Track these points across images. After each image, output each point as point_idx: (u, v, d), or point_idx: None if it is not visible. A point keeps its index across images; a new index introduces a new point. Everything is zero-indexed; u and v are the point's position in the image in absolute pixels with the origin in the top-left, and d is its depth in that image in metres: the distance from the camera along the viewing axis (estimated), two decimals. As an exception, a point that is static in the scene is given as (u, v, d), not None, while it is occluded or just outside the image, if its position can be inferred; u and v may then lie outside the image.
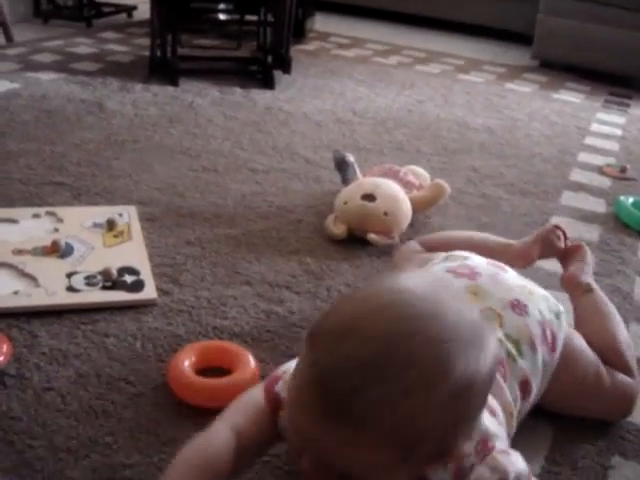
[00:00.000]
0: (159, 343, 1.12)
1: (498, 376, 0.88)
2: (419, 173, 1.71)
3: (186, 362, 1.03)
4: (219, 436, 0.82)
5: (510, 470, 0.78)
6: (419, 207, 1.56)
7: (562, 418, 1.06)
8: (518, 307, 0.97)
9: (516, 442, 0.99)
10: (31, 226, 1.42)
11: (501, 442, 0.81)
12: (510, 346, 0.93)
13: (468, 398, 0.69)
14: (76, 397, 1.00)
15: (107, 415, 0.98)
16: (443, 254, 1.10)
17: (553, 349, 0.98)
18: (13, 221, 1.43)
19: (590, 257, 1.22)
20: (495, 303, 0.95)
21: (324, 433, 0.67)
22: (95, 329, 1.14)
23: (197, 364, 1.05)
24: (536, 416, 1.05)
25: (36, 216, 1.46)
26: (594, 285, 1.17)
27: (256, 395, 0.86)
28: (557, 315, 1.01)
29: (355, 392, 0.65)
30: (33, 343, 1.10)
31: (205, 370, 1.05)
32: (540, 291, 1.04)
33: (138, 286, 1.24)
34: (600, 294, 1.16)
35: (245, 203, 1.62)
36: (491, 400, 0.85)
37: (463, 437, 0.72)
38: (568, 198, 1.89)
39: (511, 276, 1.04)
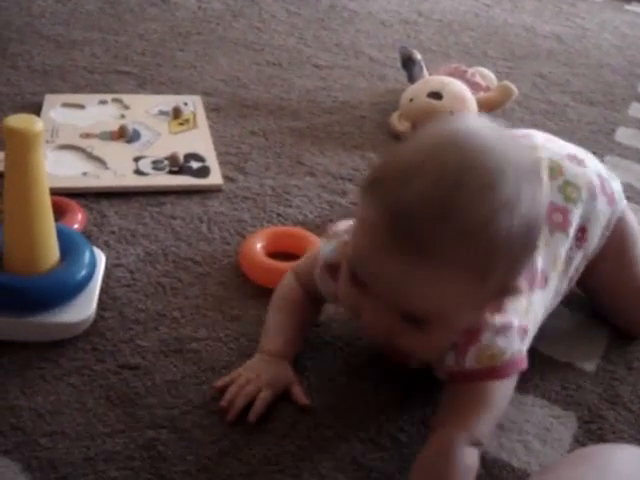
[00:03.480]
0: (224, 227, 1.14)
1: (554, 228, 0.88)
2: (486, 75, 1.67)
3: (258, 245, 1.06)
4: (296, 291, 0.93)
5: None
6: (485, 108, 1.53)
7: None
8: (576, 159, 0.94)
9: (572, 340, 1.01)
10: (98, 112, 1.44)
11: (519, 315, 0.81)
12: (571, 189, 0.90)
13: (534, 229, 0.72)
14: (144, 274, 1.04)
15: (175, 291, 1.01)
16: None
17: (612, 202, 0.95)
18: (80, 106, 1.44)
19: None
20: (553, 155, 0.93)
21: (403, 275, 0.68)
22: (162, 211, 1.17)
23: (268, 247, 1.07)
24: (592, 317, 1.05)
25: (103, 102, 1.47)
26: None
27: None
28: (613, 179, 0.99)
29: (435, 225, 0.65)
30: (102, 222, 1.13)
31: (275, 254, 1.07)
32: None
33: (204, 172, 1.25)
34: None
35: (309, 97, 1.61)
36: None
37: (519, 274, 0.74)
38: (636, 110, 1.84)
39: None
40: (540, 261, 0.86)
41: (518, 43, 2.19)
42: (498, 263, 0.69)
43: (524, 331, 0.80)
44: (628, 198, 1.36)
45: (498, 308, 0.77)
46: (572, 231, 0.89)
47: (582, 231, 0.91)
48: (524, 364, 0.81)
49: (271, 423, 0.83)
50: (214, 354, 0.92)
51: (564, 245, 0.89)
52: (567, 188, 0.90)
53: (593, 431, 0.88)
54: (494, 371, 0.78)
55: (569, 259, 0.90)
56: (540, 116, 1.69)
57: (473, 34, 2.21)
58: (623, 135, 1.67)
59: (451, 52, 2.02)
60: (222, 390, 0.85)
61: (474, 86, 1.56)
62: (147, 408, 0.84)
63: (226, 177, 1.27)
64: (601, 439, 0.87)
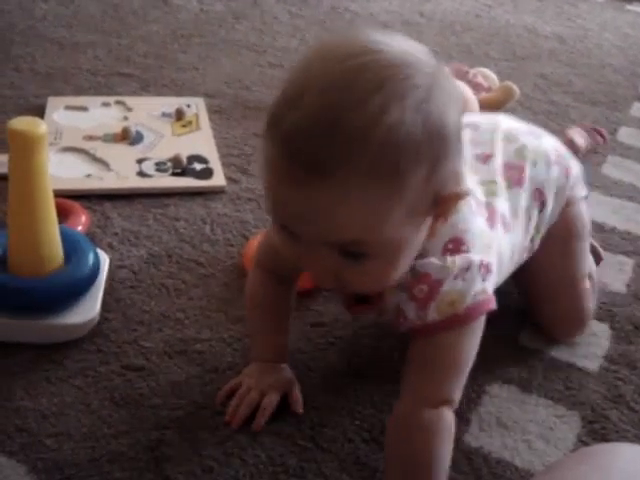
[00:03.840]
0: (227, 228, 1.15)
1: (512, 183, 0.87)
2: (488, 75, 1.68)
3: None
4: (264, 284, 0.90)
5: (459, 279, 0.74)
6: (487, 109, 1.53)
7: (619, 321, 1.06)
8: (533, 134, 0.94)
9: (575, 340, 1.01)
10: (101, 114, 1.44)
11: (480, 253, 0.76)
12: (526, 152, 0.89)
13: (448, 130, 0.66)
14: (148, 275, 1.04)
15: (178, 293, 1.01)
16: None
17: (566, 175, 0.94)
18: (83, 109, 1.45)
19: None
20: (511, 129, 0.93)
21: (311, 202, 0.63)
22: (165, 213, 1.17)
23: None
24: (595, 317, 1.06)
25: (106, 104, 1.47)
26: None
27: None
28: (572, 160, 0.98)
29: (324, 138, 0.61)
30: (106, 224, 1.13)
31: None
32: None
33: (207, 174, 1.26)
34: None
35: (311, 99, 1.61)
36: (492, 207, 0.83)
37: (448, 179, 0.68)
38: (638, 109, 1.84)
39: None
40: (500, 204, 0.83)
41: (520, 44, 2.19)
42: (407, 164, 0.63)
43: (486, 268, 0.76)
44: (630, 198, 1.38)
45: (443, 220, 0.72)
46: (528, 188, 0.88)
47: (539, 193, 0.90)
48: (490, 304, 0.76)
49: (275, 424, 0.83)
50: (218, 355, 0.92)
51: (522, 199, 0.87)
52: (523, 151, 0.89)
53: (596, 431, 0.88)
54: (457, 318, 0.74)
55: (528, 216, 0.89)
56: (542, 116, 1.69)
57: (475, 35, 2.21)
58: (625, 135, 1.67)
59: (453, 53, 2.02)
60: (225, 401, 0.86)
61: (476, 87, 1.56)
62: (152, 409, 0.84)
63: (229, 178, 1.27)
64: (604, 439, 0.87)
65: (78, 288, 0.93)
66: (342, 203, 0.63)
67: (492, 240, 0.80)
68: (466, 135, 0.84)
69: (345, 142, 0.61)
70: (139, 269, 1.05)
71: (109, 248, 1.08)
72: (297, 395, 0.86)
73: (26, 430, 0.80)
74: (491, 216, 0.82)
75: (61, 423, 0.82)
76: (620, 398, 0.93)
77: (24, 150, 0.87)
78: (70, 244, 0.96)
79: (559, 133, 1.04)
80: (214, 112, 1.49)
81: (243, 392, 0.85)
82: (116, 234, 1.11)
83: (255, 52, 1.84)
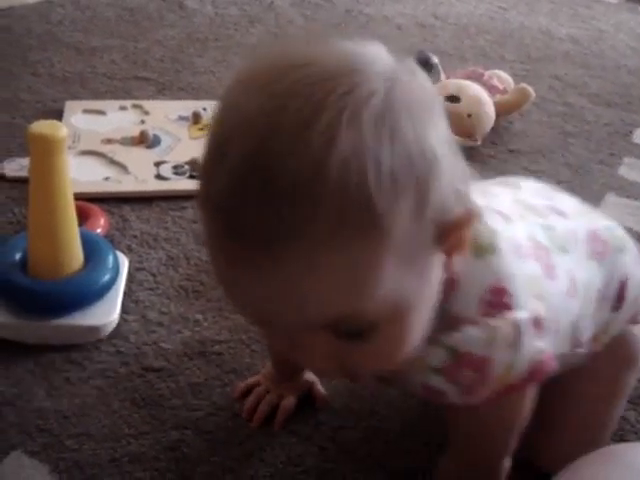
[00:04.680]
0: (245, 231, 1.15)
1: (593, 254, 0.70)
2: (503, 77, 1.67)
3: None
4: None
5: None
6: (502, 111, 1.54)
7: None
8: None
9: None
10: (118, 117, 1.45)
11: (527, 305, 0.60)
12: (617, 239, 0.74)
13: (422, 157, 0.50)
14: (167, 277, 1.05)
15: (197, 295, 1.02)
16: None
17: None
18: (101, 112, 1.46)
19: None
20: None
21: (268, 280, 0.49)
22: (183, 215, 1.18)
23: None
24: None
25: (123, 108, 1.48)
26: None
27: None
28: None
29: (260, 204, 0.47)
30: (124, 227, 1.14)
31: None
32: None
33: (224, 176, 1.26)
34: None
35: (327, 102, 1.62)
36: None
37: (449, 201, 0.52)
38: (654, 111, 1.84)
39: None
40: (572, 265, 0.68)
41: (534, 46, 2.19)
42: (383, 203, 0.47)
43: (538, 325, 0.61)
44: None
45: (460, 252, 0.56)
46: (608, 271, 0.71)
47: (620, 285, 0.72)
48: (551, 364, 0.62)
49: (295, 425, 0.84)
50: (237, 357, 0.92)
51: (598, 279, 0.70)
52: (613, 230, 0.74)
53: (614, 432, 0.88)
54: (512, 389, 0.63)
55: (600, 303, 0.71)
56: (557, 118, 1.69)
57: (489, 37, 2.21)
58: (641, 137, 1.67)
59: (467, 55, 2.02)
60: (241, 397, 0.86)
61: (491, 89, 1.56)
62: (171, 410, 0.85)
63: (246, 181, 1.27)
64: (622, 439, 0.87)
65: (98, 290, 0.94)
66: (309, 276, 0.48)
67: (547, 291, 0.64)
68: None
69: (289, 202, 0.46)
70: (158, 271, 1.05)
71: (128, 250, 1.08)
72: (319, 391, 0.87)
73: (47, 430, 0.81)
74: (551, 268, 0.65)
75: (82, 423, 0.82)
76: (638, 399, 0.93)
77: (45, 153, 0.88)
78: (90, 247, 0.96)
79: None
80: (230, 115, 1.50)
81: (261, 391, 0.86)
82: (135, 237, 1.12)
83: (270, 55, 1.85)
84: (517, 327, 0.59)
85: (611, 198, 1.35)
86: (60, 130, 0.88)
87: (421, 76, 0.53)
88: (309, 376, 0.88)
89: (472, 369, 0.60)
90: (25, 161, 1.22)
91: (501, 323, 0.59)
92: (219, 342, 0.94)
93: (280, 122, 0.47)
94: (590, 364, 0.73)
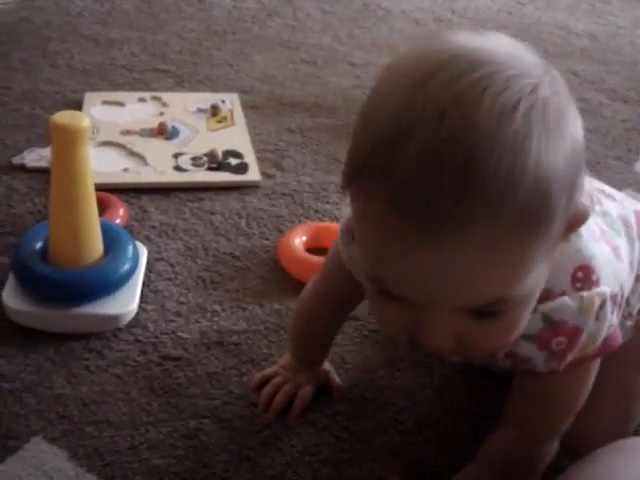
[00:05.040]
0: (263, 222, 1.16)
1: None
2: (521, 72, 1.67)
3: (297, 240, 1.07)
4: (322, 305, 0.85)
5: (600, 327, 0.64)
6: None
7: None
8: None
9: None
10: (137, 109, 1.46)
11: (609, 283, 0.64)
12: None
13: (577, 148, 0.54)
14: (185, 267, 1.05)
15: (215, 285, 1.03)
16: None
17: None
18: (120, 104, 1.47)
19: None
20: None
21: (439, 261, 0.50)
22: (201, 207, 1.19)
23: (307, 243, 1.08)
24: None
25: (142, 100, 1.49)
26: None
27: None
28: None
29: (464, 180, 0.48)
30: (143, 217, 1.15)
31: (313, 249, 1.08)
32: None
33: (242, 169, 1.27)
34: None
35: (345, 95, 1.62)
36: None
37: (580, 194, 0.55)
38: (671, 107, 1.83)
39: None
40: (624, 246, 0.71)
41: (552, 41, 2.18)
42: (557, 199, 0.51)
43: (614, 298, 0.65)
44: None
45: (565, 241, 0.59)
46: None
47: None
48: (618, 339, 0.67)
49: (311, 414, 0.85)
50: (254, 346, 0.93)
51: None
52: None
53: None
54: (586, 359, 0.66)
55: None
56: (575, 114, 1.69)
57: (506, 32, 2.15)
58: (659, 133, 1.66)
59: (485, 50, 2.02)
60: (257, 388, 0.87)
61: (509, 83, 1.56)
62: (189, 398, 0.86)
63: (264, 173, 1.28)
64: (635, 434, 0.87)
65: (118, 280, 0.95)
66: (484, 263, 0.50)
67: (618, 271, 0.67)
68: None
69: (484, 192, 0.48)
70: (176, 261, 1.06)
71: (147, 241, 1.09)
72: (336, 381, 0.88)
73: (67, 417, 0.82)
74: (617, 249, 0.69)
75: (101, 411, 0.83)
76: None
77: (67, 144, 0.88)
78: (109, 237, 0.97)
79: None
80: (248, 108, 1.51)
81: (277, 382, 0.86)
82: (153, 227, 1.13)
83: (288, 49, 1.85)
84: (603, 300, 0.63)
85: (628, 194, 1.35)
86: (82, 120, 0.88)
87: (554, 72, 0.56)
88: (326, 366, 0.89)
89: (565, 336, 0.63)
90: (45, 151, 1.24)
91: (592, 295, 0.63)
92: (237, 332, 0.95)
93: (477, 114, 0.48)
94: (626, 346, 0.74)
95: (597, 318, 0.63)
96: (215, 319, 0.97)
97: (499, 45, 0.55)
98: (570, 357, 0.65)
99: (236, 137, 1.37)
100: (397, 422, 0.85)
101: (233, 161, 1.29)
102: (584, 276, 0.63)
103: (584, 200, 0.57)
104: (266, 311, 0.99)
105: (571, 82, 1.86)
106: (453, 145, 0.48)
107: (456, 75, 0.50)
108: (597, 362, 0.69)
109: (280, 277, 1.04)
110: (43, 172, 1.19)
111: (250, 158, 1.30)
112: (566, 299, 0.63)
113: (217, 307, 0.99)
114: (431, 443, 0.83)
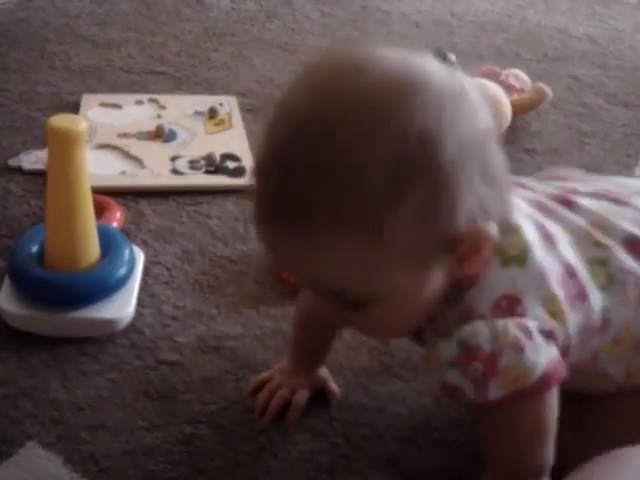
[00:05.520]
0: (260, 226, 1.16)
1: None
2: (520, 76, 1.67)
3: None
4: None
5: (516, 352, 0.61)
6: (519, 110, 1.53)
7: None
8: None
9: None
10: (135, 111, 1.46)
11: (539, 319, 0.63)
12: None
13: (431, 154, 0.55)
14: (182, 271, 1.05)
15: (211, 289, 1.02)
16: None
17: None
18: (117, 106, 1.46)
19: None
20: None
21: (292, 248, 0.58)
22: (199, 210, 1.18)
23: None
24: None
25: (139, 102, 1.49)
26: None
27: None
28: None
29: (291, 170, 0.56)
30: (140, 221, 1.14)
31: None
32: None
33: (240, 172, 1.27)
34: None
35: (343, 99, 1.62)
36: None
37: (461, 213, 0.57)
38: (671, 111, 1.83)
39: None
40: (604, 300, 0.68)
41: (551, 45, 2.18)
42: (385, 207, 0.54)
43: (548, 335, 0.63)
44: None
45: (474, 266, 0.61)
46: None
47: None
48: (561, 371, 0.64)
49: (307, 420, 0.84)
50: (250, 351, 0.93)
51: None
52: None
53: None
54: (526, 391, 0.63)
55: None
56: (574, 118, 1.68)
57: (506, 35, 2.20)
58: (658, 137, 1.66)
59: (484, 54, 2.02)
60: (253, 393, 0.87)
61: (508, 88, 1.56)
62: (185, 404, 0.85)
63: (261, 177, 1.28)
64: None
65: (114, 284, 0.94)
66: (307, 252, 0.57)
67: (563, 315, 0.65)
68: None
69: (308, 183, 0.55)
70: (173, 265, 1.06)
71: (143, 244, 1.09)
72: (331, 388, 0.87)
73: (62, 422, 0.82)
74: (579, 298, 0.66)
75: (96, 416, 0.83)
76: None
77: (64, 147, 0.88)
78: (106, 240, 0.97)
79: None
80: (246, 111, 1.50)
81: (273, 386, 0.86)
82: (150, 231, 1.12)
83: (287, 51, 1.85)
84: (524, 331, 0.62)
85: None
86: (79, 124, 0.88)
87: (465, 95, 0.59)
88: (323, 372, 0.88)
89: (480, 361, 0.62)
90: (42, 154, 1.23)
91: (506, 323, 0.62)
92: (233, 337, 0.95)
93: (304, 127, 0.56)
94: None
95: (520, 350, 0.61)
96: (212, 324, 0.97)
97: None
98: (496, 385, 0.62)
99: (234, 140, 1.37)
100: (393, 429, 0.85)
101: (231, 164, 1.28)
102: (507, 306, 0.63)
103: (472, 229, 0.58)
104: (263, 316, 0.98)
105: (571, 86, 1.88)
106: (286, 150, 0.57)
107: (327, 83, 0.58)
108: (550, 397, 0.65)
109: (276, 281, 1.04)
110: (40, 175, 1.19)
111: (248, 161, 1.30)
112: (480, 323, 0.62)
113: (214, 311, 0.99)
114: (427, 450, 0.82)
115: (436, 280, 0.61)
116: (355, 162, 0.54)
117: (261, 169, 0.59)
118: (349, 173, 0.54)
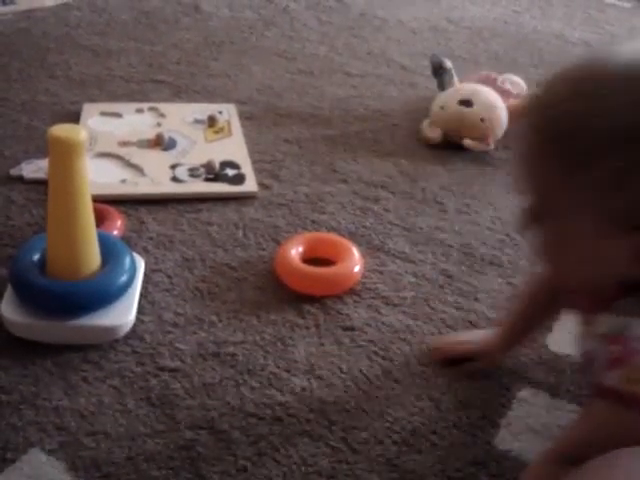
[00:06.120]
0: (260, 233, 1.17)
1: None
2: (516, 82, 1.68)
3: (293, 251, 1.08)
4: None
5: None
6: (515, 116, 1.54)
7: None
8: None
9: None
10: (135, 120, 1.47)
11: None
12: None
13: None
14: (182, 279, 1.06)
15: (212, 296, 1.03)
16: None
17: None
18: (117, 115, 1.48)
19: None
20: None
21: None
22: (199, 217, 1.19)
23: (304, 254, 1.09)
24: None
25: (139, 111, 1.50)
26: None
27: None
28: None
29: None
30: (141, 228, 1.15)
31: (311, 260, 1.09)
32: None
33: (239, 179, 1.28)
34: None
35: (341, 106, 1.63)
36: None
37: None
38: (667, 115, 1.83)
39: None
40: None
41: (547, 50, 2.19)
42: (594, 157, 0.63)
43: None
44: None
45: None
46: None
47: None
48: None
49: (307, 425, 0.85)
50: (251, 357, 0.94)
51: None
52: None
53: None
54: (632, 400, 0.65)
55: None
56: (571, 123, 1.69)
57: (503, 41, 2.21)
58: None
59: (481, 59, 2.03)
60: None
61: (504, 93, 1.57)
62: (186, 410, 0.86)
63: (261, 184, 1.29)
64: None
65: (115, 291, 0.95)
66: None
67: None
68: None
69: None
70: (173, 273, 1.07)
71: (144, 252, 1.10)
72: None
73: (65, 429, 0.83)
74: None
75: (99, 422, 0.84)
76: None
77: (64, 156, 0.89)
78: (107, 248, 0.98)
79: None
80: (245, 119, 1.51)
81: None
82: (151, 238, 1.13)
83: (285, 59, 1.86)
84: None
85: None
86: (80, 133, 0.89)
87: None
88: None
89: (622, 347, 0.65)
90: (43, 163, 1.24)
91: None
92: (233, 343, 0.96)
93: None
94: None
95: None
96: (212, 330, 0.97)
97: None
98: (616, 376, 0.65)
99: (233, 148, 1.38)
100: (393, 432, 0.85)
101: (230, 172, 1.30)
102: None
103: None
104: (263, 322, 0.99)
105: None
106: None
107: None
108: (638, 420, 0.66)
109: (277, 288, 1.05)
110: (41, 183, 1.20)
111: (247, 169, 1.31)
112: None
113: (214, 318, 0.99)
114: (426, 453, 0.83)
115: (614, 254, 0.64)
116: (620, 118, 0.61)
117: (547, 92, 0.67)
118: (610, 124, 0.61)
